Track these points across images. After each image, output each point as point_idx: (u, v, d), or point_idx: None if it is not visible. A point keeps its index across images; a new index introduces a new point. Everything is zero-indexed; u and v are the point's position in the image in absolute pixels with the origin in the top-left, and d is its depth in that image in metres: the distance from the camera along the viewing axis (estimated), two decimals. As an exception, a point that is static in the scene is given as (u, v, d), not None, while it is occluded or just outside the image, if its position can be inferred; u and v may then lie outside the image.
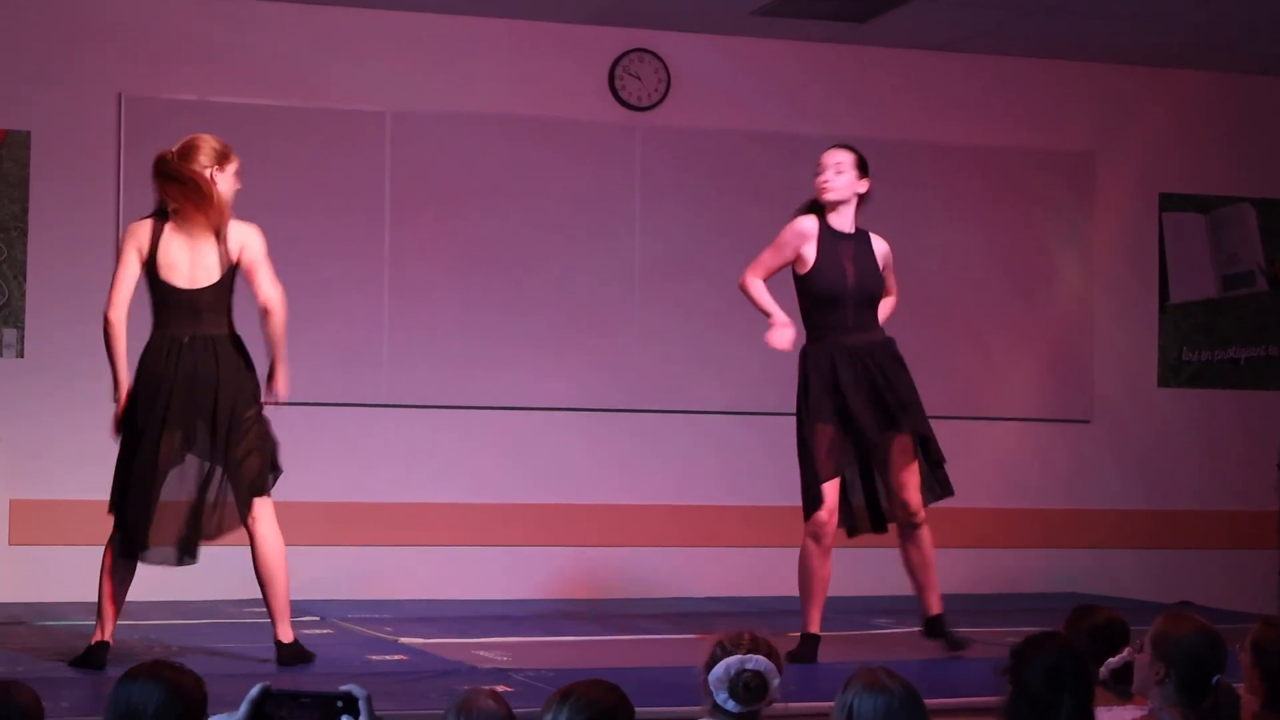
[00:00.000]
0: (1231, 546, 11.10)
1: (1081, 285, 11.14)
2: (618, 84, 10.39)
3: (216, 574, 9.40)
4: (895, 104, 10.79)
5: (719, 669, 4.37)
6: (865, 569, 10.24)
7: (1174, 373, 11.29)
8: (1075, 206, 11.13)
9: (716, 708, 4.41)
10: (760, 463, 10.40)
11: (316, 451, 9.75)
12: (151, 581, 9.30)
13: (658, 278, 10.36)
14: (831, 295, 7.22)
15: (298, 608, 8.91)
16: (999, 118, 10.99)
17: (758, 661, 4.38)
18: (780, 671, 4.41)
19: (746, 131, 10.52)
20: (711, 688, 4.38)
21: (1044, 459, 10.97)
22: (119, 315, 6.70)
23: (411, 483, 9.95)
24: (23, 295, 9.48)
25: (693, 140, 10.43)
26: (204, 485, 6.69)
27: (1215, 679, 4.30)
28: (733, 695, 4.36)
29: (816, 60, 10.68)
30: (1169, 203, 11.28)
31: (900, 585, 9.89)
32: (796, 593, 9.15)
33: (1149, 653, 4.45)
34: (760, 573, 10.18)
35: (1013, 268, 10.97)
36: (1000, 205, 10.95)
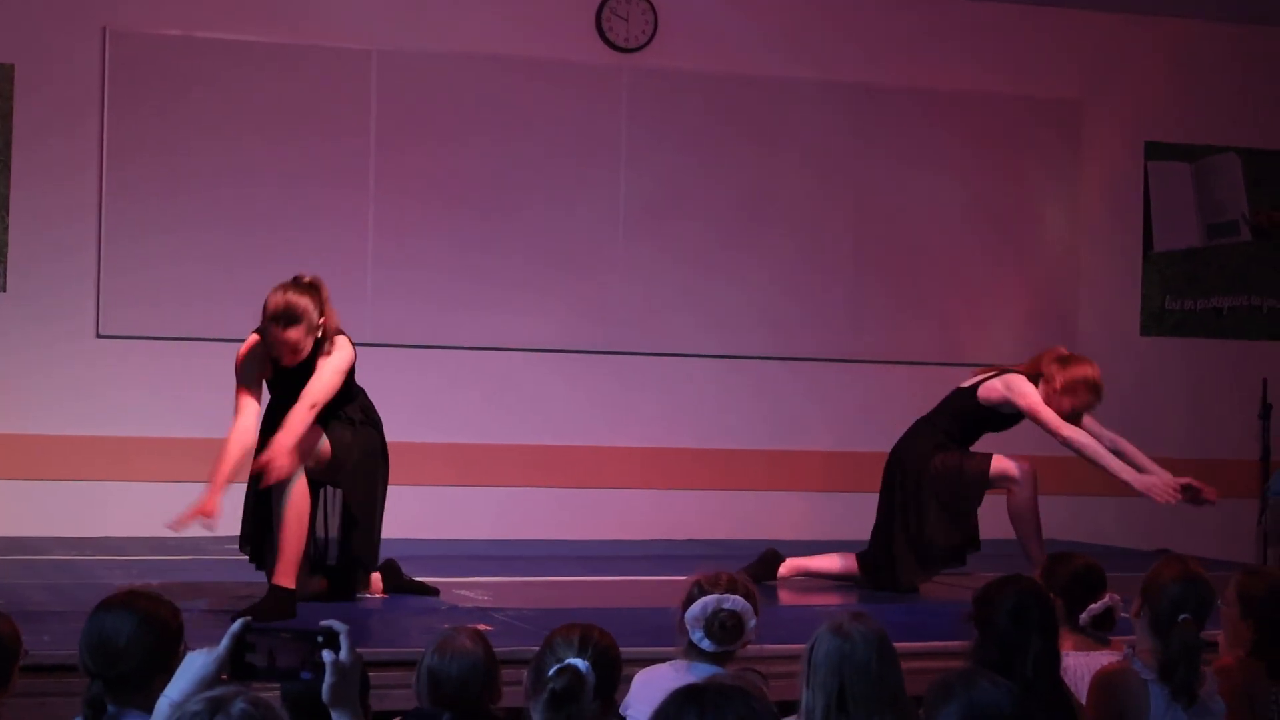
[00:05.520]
0: (1212, 495, 11.12)
1: (1066, 233, 11.15)
2: (605, 25, 10.35)
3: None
4: (883, 49, 10.76)
5: (695, 608, 4.39)
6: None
7: (1157, 321, 11.30)
8: (1061, 154, 11.11)
9: (692, 646, 4.44)
10: (744, 407, 10.43)
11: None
12: (133, 517, 9.34)
13: (643, 220, 10.34)
14: None
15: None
16: (986, 64, 10.96)
17: (735, 601, 4.40)
18: (757, 613, 4.44)
19: (733, 74, 10.49)
20: (688, 626, 4.41)
21: (1026, 406, 10.97)
22: None
23: (393, 422, 9.92)
24: (5, 229, 9.45)
25: (679, 82, 10.40)
26: None
27: (1181, 617, 4.34)
28: (709, 634, 4.38)
29: (804, 4, 10.64)
30: (1155, 151, 11.27)
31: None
32: (778, 536, 9.20)
33: (1139, 596, 4.51)
34: (743, 517, 10.21)
35: (998, 215, 10.97)
36: (986, 152, 10.93)
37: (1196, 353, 11.32)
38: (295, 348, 6.67)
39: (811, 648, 3.74)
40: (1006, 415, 7.81)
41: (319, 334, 6.72)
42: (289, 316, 6.61)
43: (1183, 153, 11.31)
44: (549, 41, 10.25)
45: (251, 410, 6.76)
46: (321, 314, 6.71)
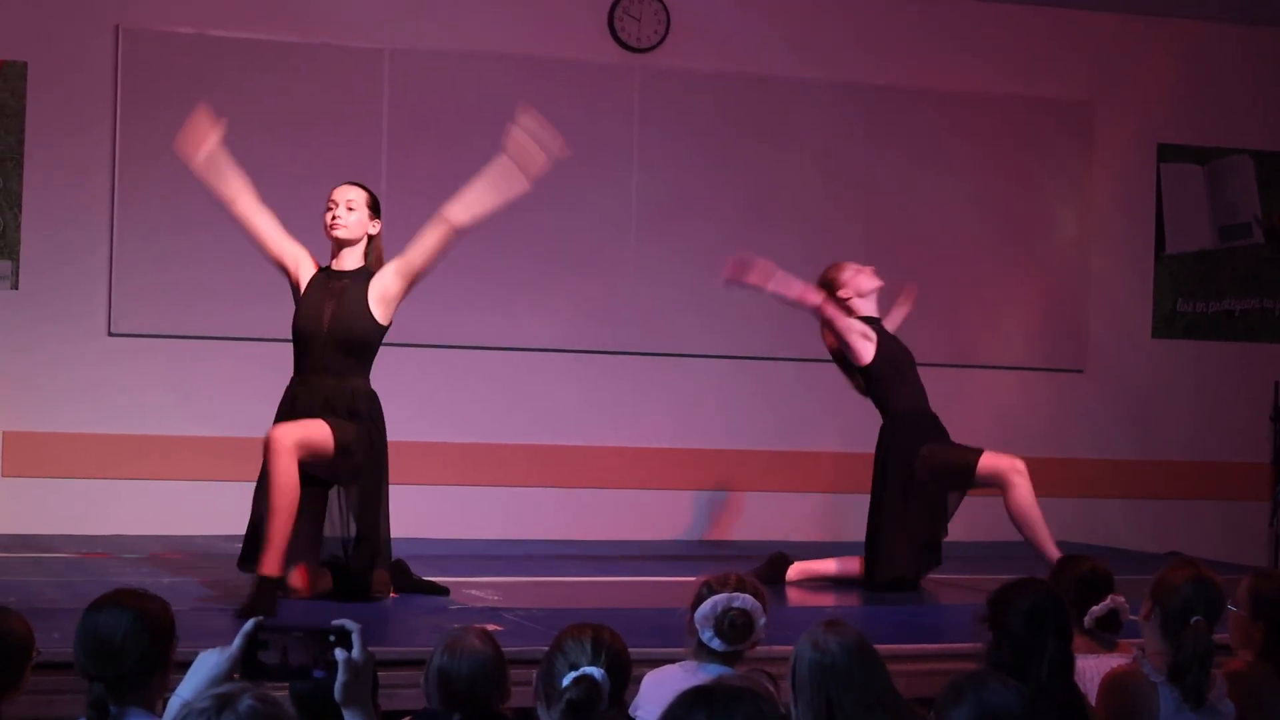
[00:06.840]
0: (1223, 497, 11.12)
1: (1078, 235, 11.14)
2: (617, 25, 10.35)
3: (208, 510, 9.45)
4: (894, 50, 10.76)
5: (705, 607, 4.39)
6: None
7: (1168, 323, 11.29)
8: (1073, 156, 11.10)
9: (701, 646, 4.43)
10: (752, 407, 10.43)
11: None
12: (144, 515, 9.35)
13: (655, 221, 10.34)
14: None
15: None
16: (998, 65, 10.95)
17: (745, 600, 4.40)
18: (765, 613, 4.44)
19: (745, 74, 10.49)
20: (697, 625, 4.41)
21: (1037, 408, 10.98)
22: None
23: (400, 421, 9.94)
24: (18, 227, 9.46)
25: (691, 82, 10.40)
26: None
27: (1194, 619, 4.35)
28: (718, 633, 4.38)
29: (816, 4, 10.64)
30: (1167, 153, 11.27)
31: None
32: (785, 537, 9.18)
33: (1148, 598, 4.51)
34: (750, 518, 10.22)
35: (1009, 216, 10.96)
36: (997, 153, 10.92)
37: (1208, 355, 11.31)
38: (349, 206, 7.03)
39: (794, 665, 3.73)
40: (853, 348, 7.86)
41: (371, 233, 7.16)
42: (354, 184, 7.09)
43: (1195, 155, 11.30)
44: (561, 41, 10.26)
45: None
46: (377, 218, 7.17)
